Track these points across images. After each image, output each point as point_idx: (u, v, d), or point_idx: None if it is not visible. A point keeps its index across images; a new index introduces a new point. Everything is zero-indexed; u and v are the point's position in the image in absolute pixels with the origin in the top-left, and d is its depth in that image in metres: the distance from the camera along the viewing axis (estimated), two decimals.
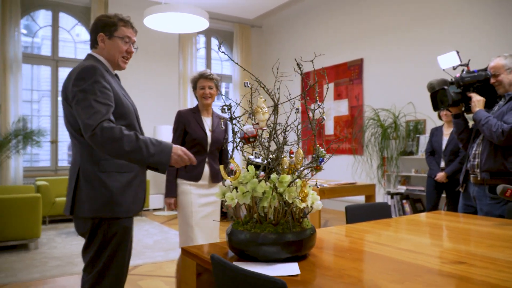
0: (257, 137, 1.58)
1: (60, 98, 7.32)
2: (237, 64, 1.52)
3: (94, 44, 1.96)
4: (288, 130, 1.54)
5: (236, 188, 1.48)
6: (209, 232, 2.84)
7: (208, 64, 9.15)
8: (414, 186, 5.96)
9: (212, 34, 9.05)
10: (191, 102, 8.39)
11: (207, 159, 2.86)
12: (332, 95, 7.65)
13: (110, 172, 1.82)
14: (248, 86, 1.60)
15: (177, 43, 8.33)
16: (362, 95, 7.00)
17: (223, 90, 10.36)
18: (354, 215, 2.34)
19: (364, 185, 4.87)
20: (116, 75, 2.01)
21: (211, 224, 2.86)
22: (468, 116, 2.79)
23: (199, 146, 2.82)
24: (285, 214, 1.46)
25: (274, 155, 1.53)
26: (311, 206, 1.48)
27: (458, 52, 2.79)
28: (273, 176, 1.42)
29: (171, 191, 2.81)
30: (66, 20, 7.68)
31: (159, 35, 7.39)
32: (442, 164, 4.54)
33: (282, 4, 8.38)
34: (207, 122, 2.92)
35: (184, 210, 2.80)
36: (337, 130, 7.52)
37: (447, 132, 4.55)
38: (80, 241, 5.06)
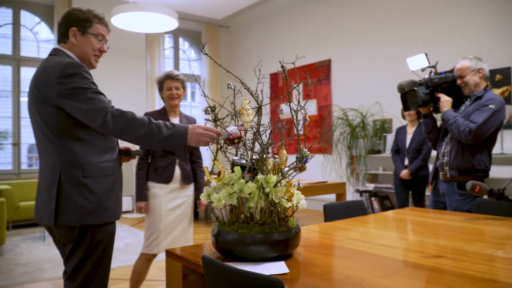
0: (241, 138, 1.60)
1: (23, 99, 7.07)
2: (222, 66, 1.52)
3: (63, 38, 1.85)
4: (272, 131, 1.56)
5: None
6: (178, 237, 2.79)
7: (176, 64, 9.06)
8: (382, 183, 6.13)
9: (179, 34, 8.97)
10: (159, 103, 8.28)
11: (177, 161, 2.81)
12: (301, 95, 7.72)
13: (96, 176, 1.73)
14: (231, 88, 1.62)
15: (144, 42, 8.20)
16: (331, 95, 7.13)
17: (189, 91, 10.28)
18: (331, 213, 2.39)
19: (335, 183, 4.97)
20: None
21: (180, 228, 2.80)
22: (436, 116, 2.91)
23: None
24: (271, 214, 1.48)
25: (258, 156, 1.55)
26: (296, 206, 1.50)
27: (426, 55, 2.91)
28: (260, 176, 1.44)
29: (141, 195, 2.75)
30: (27, 18, 7.42)
31: (125, 34, 7.24)
32: (406, 162, 4.69)
33: (250, 5, 8.41)
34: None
35: (153, 213, 2.75)
36: (306, 130, 7.62)
37: (410, 131, 4.72)
38: (47, 247, 4.90)
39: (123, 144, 2.07)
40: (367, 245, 1.68)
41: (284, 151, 1.55)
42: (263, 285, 1.00)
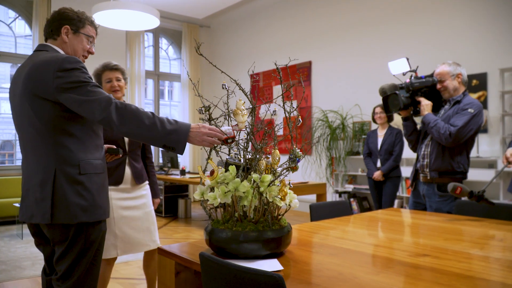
0: (235, 138, 1.62)
1: (5, 95, 6.89)
2: (217, 67, 1.54)
3: (53, 34, 1.83)
4: (267, 132, 1.60)
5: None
6: (141, 239, 2.58)
7: (156, 63, 9.00)
8: (361, 185, 6.25)
9: (160, 32, 8.91)
10: (138, 100, 8.21)
11: (127, 160, 2.58)
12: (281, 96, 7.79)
13: (90, 174, 1.72)
14: (226, 88, 1.64)
15: (124, 40, 8.12)
16: (311, 96, 7.21)
17: (166, 89, 10.23)
18: (317, 212, 2.44)
19: (316, 184, 5.04)
20: None
21: (141, 230, 2.59)
22: (415, 118, 3.00)
23: (115, 146, 2.48)
24: (265, 213, 1.51)
25: (251, 156, 1.58)
26: (289, 205, 1.54)
27: (408, 59, 3.00)
28: (255, 176, 1.47)
29: None
30: (4, 13, 7.24)
31: (106, 31, 7.15)
32: (378, 164, 4.81)
33: (232, 5, 8.42)
34: None
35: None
36: (286, 130, 7.67)
37: (381, 134, 4.85)
38: (25, 244, 4.80)
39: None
40: (355, 243, 1.73)
41: (277, 151, 1.59)
42: (263, 281, 1.02)
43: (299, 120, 1.62)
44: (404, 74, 3.01)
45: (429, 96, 2.85)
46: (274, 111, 1.63)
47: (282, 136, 1.67)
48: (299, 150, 1.60)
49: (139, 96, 8.22)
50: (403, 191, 5.57)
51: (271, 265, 1.38)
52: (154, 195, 2.80)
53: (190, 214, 6.93)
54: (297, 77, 7.10)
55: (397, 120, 5.63)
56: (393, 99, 2.85)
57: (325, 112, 6.68)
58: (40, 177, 1.67)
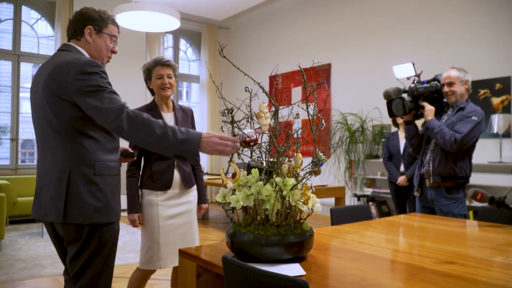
0: (257, 141, 1.62)
1: (22, 95, 7.04)
2: (239, 69, 1.54)
3: (76, 35, 1.84)
4: (290, 135, 1.59)
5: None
6: (177, 248, 2.39)
7: (176, 63, 9.04)
8: (380, 188, 6.18)
9: (180, 34, 8.98)
10: None
11: (175, 163, 2.45)
12: (299, 99, 7.77)
13: (105, 175, 1.73)
14: (249, 91, 1.64)
15: (145, 42, 8.20)
16: (330, 99, 7.17)
17: (184, 90, 10.30)
18: (338, 216, 2.41)
19: (335, 187, 5.00)
20: None
21: (184, 239, 2.46)
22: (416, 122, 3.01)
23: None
24: (287, 217, 1.50)
25: (274, 159, 1.57)
26: (311, 209, 1.52)
27: (413, 64, 3.00)
28: (278, 179, 1.46)
29: (134, 206, 2.40)
30: (27, 14, 7.40)
31: (127, 33, 7.25)
32: (402, 168, 4.72)
33: (251, 7, 8.44)
34: (168, 118, 2.49)
35: (150, 225, 2.40)
36: (305, 133, 7.64)
37: (403, 136, 4.74)
38: (45, 243, 4.88)
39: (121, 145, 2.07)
40: (377, 249, 1.71)
41: (300, 154, 1.58)
42: (288, 286, 1.01)
43: (323, 123, 1.60)
44: (408, 78, 3.02)
45: (431, 100, 2.88)
46: (297, 114, 1.61)
47: (304, 139, 1.66)
48: (322, 153, 1.58)
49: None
50: None
51: (293, 270, 1.37)
52: (201, 200, 2.64)
53: (208, 215, 6.95)
54: (320, 79, 7.07)
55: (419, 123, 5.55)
56: (398, 103, 2.86)
57: (344, 114, 6.63)
58: (56, 176, 1.68)
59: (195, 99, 9.74)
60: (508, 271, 1.42)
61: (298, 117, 1.62)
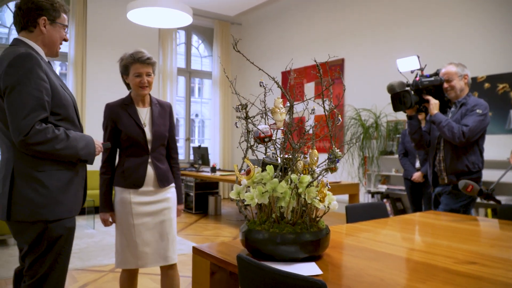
0: (272, 137, 1.58)
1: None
2: (254, 64, 1.51)
3: (29, 26, 1.77)
4: (304, 132, 1.55)
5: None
6: (159, 247, 2.32)
7: (188, 60, 9.06)
8: (394, 185, 6.10)
9: (192, 30, 8.97)
10: (170, 97, 8.28)
11: (149, 160, 2.32)
12: (312, 94, 7.71)
13: (49, 171, 1.70)
14: (263, 86, 1.60)
15: (157, 38, 8.21)
16: (343, 94, 7.10)
17: (196, 86, 10.30)
18: (353, 214, 2.37)
19: (348, 184, 4.94)
20: (49, 62, 1.84)
21: (164, 238, 2.33)
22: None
23: (137, 146, 2.30)
24: (302, 215, 1.47)
25: (289, 156, 1.54)
26: (328, 207, 1.49)
27: (419, 57, 2.93)
28: (294, 176, 1.43)
29: (105, 204, 2.31)
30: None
31: (139, 29, 7.26)
32: (417, 164, 4.64)
33: (263, 2, 8.38)
34: (143, 114, 2.37)
35: (124, 223, 2.29)
36: (318, 129, 7.58)
37: None
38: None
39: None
40: (394, 247, 1.67)
41: (315, 151, 1.54)
42: (305, 286, 0.98)
43: (339, 119, 1.57)
44: (412, 72, 2.97)
45: (434, 95, 2.84)
46: (313, 109, 1.58)
47: (319, 135, 1.62)
48: (338, 150, 1.55)
49: (171, 93, 8.29)
50: None
51: (309, 269, 1.33)
52: (178, 200, 2.50)
53: (220, 212, 6.95)
54: (336, 74, 7.00)
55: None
56: (403, 97, 2.81)
57: (358, 110, 6.55)
58: (2, 174, 1.70)
59: (207, 95, 9.73)
60: None
61: (313, 113, 1.58)
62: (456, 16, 5.55)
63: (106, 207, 2.31)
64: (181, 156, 8.87)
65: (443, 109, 2.83)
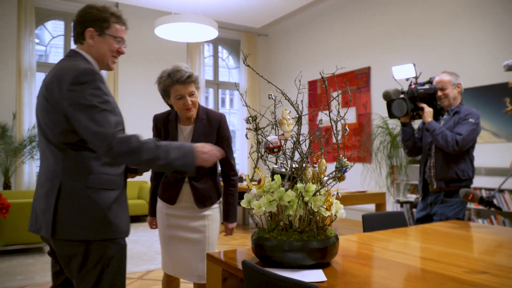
0: (281, 148, 1.63)
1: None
2: (262, 77, 1.57)
3: (79, 39, 1.72)
4: (312, 141, 1.59)
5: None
6: (193, 265, 2.23)
7: (216, 72, 9.23)
8: None
9: (219, 42, 9.15)
10: None
11: (186, 179, 2.25)
12: (339, 104, 7.68)
13: (99, 189, 1.61)
14: (272, 98, 1.65)
15: (185, 51, 8.42)
16: (370, 103, 7.04)
17: (227, 98, 10.45)
18: (370, 223, 2.37)
19: (375, 193, 4.89)
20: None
21: (192, 256, 2.24)
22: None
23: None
24: (310, 222, 1.50)
25: (297, 165, 1.58)
26: (335, 215, 1.52)
27: (414, 65, 2.96)
28: (300, 185, 1.47)
29: (150, 210, 2.44)
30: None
31: (168, 43, 7.49)
32: None
33: (289, 13, 8.46)
34: (186, 132, 2.28)
35: (159, 230, 2.38)
36: (345, 138, 7.55)
37: None
38: None
39: None
40: (407, 257, 1.67)
41: (324, 160, 1.57)
42: None
43: (346, 129, 1.59)
44: (407, 79, 2.99)
45: (428, 103, 2.87)
46: (321, 120, 1.61)
47: (329, 146, 1.65)
48: (346, 159, 1.57)
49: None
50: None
51: (315, 276, 1.36)
52: (227, 218, 2.37)
53: (248, 221, 7.00)
54: (360, 83, 6.97)
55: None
56: (399, 104, 2.84)
57: (384, 118, 6.48)
58: (46, 188, 1.61)
59: (237, 106, 9.87)
60: None
61: (321, 123, 1.62)
62: (480, 22, 5.44)
63: (150, 212, 2.45)
64: None
65: (436, 116, 2.88)
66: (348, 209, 6.61)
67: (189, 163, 1.66)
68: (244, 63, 1.62)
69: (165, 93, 2.21)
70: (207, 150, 1.71)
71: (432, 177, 2.80)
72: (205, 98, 8.81)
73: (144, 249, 4.98)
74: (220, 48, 9.36)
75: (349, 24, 7.51)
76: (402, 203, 6.12)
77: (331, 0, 7.81)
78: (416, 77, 2.92)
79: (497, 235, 2.13)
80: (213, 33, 6.10)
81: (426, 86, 2.82)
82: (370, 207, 5.31)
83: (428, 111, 2.78)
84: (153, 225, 2.47)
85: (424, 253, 1.75)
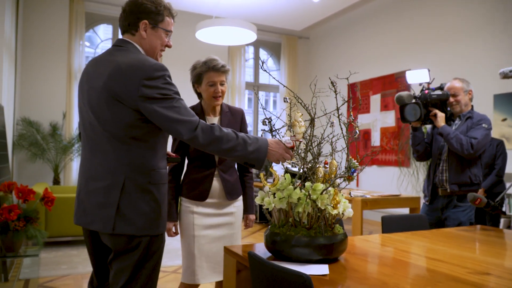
0: (294, 148, 1.73)
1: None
2: (275, 79, 1.66)
3: (131, 29, 1.71)
4: (322, 143, 1.67)
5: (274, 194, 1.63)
6: (218, 263, 2.23)
7: (256, 74, 9.39)
8: None
9: (260, 45, 9.29)
10: None
11: (216, 172, 2.28)
12: (378, 106, 7.62)
13: (159, 183, 1.65)
14: (288, 102, 1.75)
15: (227, 54, 8.63)
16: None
17: (271, 100, 10.58)
18: (390, 225, 2.41)
19: (408, 197, 4.84)
20: None
21: (218, 251, 2.24)
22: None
23: (204, 157, 2.25)
24: (318, 220, 1.58)
25: (309, 165, 1.67)
26: (342, 213, 1.59)
27: (429, 70, 2.99)
28: (307, 184, 1.56)
29: (170, 214, 2.23)
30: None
31: (210, 47, 7.70)
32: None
33: (329, 16, 8.46)
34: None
35: (186, 234, 2.25)
36: (384, 141, 7.47)
37: None
38: None
39: None
40: (416, 257, 1.71)
41: (334, 161, 1.66)
42: (293, 279, 1.12)
43: (356, 132, 1.67)
44: (420, 84, 3.01)
45: (439, 108, 2.89)
46: (332, 122, 1.69)
47: (366, 148, 1.72)
48: (355, 160, 1.65)
49: (239, 106, 8.65)
50: (511, 209, 5.07)
51: (318, 269, 1.45)
52: (247, 210, 2.43)
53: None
54: (400, 86, 6.88)
55: (497, 131, 5.22)
56: (413, 109, 2.87)
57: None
58: (107, 182, 1.59)
59: (279, 108, 9.97)
60: None
61: (333, 125, 1.69)
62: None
63: (169, 217, 2.24)
64: None
65: (446, 122, 2.90)
66: (384, 212, 6.56)
67: (262, 158, 1.70)
68: (261, 67, 1.73)
69: (198, 79, 2.29)
70: (282, 152, 1.72)
71: (444, 181, 2.81)
72: (246, 100, 8.97)
73: (179, 245, 5.18)
74: (261, 50, 9.50)
75: (389, 26, 7.43)
76: None
77: (371, 3, 7.76)
78: (429, 83, 2.95)
79: (509, 239, 2.11)
80: (252, 37, 6.23)
81: (439, 92, 2.86)
82: (405, 211, 5.25)
83: (441, 115, 2.82)
84: (173, 232, 2.31)
85: (434, 254, 1.79)
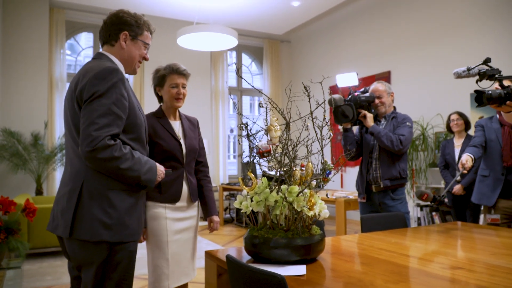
0: (271, 152, 1.76)
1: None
2: (251, 84, 1.70)
3: (110, 40, 1.77)
4: (298, 146, 1.71)
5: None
6: (186, 265, 2.28)
7: (239, 79, 9.42)
8: (444, 198, 5.92)
9: (242, 49, 9.34)
10: (222, 115, 8.65)
11: (184, 174, 2.31)
12: (327, 112, 7.70)
13: (119, 191, 1.62)
14: (263, 107, 1.79)
15: (209, 59, 8.65)
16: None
17: (256, 103, 10.62)
18: (369, 224, 2.45)
19: None
20: (127, 79, 1.75)
21: (188, 254, 2.31)
22: None
23: (173, 159, 2.27)
24: (295, 221, 1.62)
25: (285, 168, 1.70)
26: (318, 214, 1.63)
27: (357, 74, 3.18)
28: (283, 187, 1.59)
29: None
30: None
31: (192, 53, 7.71)
32: (458, 176, 4.52)
33: (310, 20, 8.56)
34: (177, 127, 2.37)
35: (157, 239, 2.20)
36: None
37: (458, 143, 4.55)
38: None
39: None
40: (392, 254, 1.76)
41: (310, 164, 1.69)
42: (268, 280, 1.15)
43: (330, 134, 1.71)
44: (349, 88, 3.17)
45: (367, 109, 3.06)
46: (307, 126, 1.73)
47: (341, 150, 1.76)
48: (330, 163, 1.69)
49: (223, 111, 8.67)
50: None
51: (296, 270, 1.48)
52: (211, 212, 2.44)
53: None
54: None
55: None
56: (346, 110, 2.99)
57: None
58: (69, 187, 1.61)
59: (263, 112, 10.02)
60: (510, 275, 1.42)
61: (307, 129, 1.73)
62: (501, 27, 5.39)
63: None
64: (234, 172, 9.19)
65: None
66: None
67: (153, 179, 1.69)
68: (237, 74, 1.76)
69: (161, 81, 2.35)
70: (161, 169, 1.77)
71: (378, 178, 2.96)
72: (228, 104, 8.98)
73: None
74: (243, 55, 9.55)
75: (370, 29, 7.54)
76: (422, 207, 6.09)
77: (352, 6, 7.87)
78: (357, 86, 3.13)
79: (491, 235, 2.17)
80: (233, 42, 6.27)
81: (367, 94, 3.03)
82: None
83: (370, 116, 2.99)
84: (142, 238, 2.21)
85: (410, 251, 1.84)
